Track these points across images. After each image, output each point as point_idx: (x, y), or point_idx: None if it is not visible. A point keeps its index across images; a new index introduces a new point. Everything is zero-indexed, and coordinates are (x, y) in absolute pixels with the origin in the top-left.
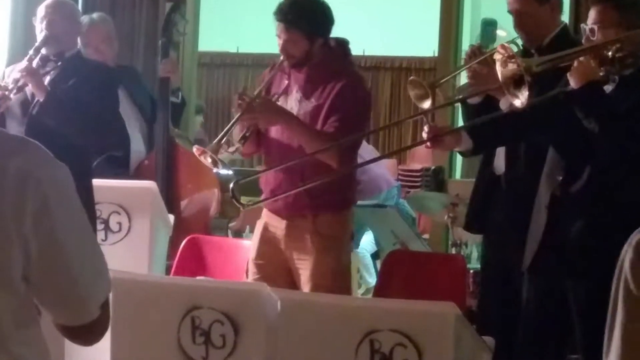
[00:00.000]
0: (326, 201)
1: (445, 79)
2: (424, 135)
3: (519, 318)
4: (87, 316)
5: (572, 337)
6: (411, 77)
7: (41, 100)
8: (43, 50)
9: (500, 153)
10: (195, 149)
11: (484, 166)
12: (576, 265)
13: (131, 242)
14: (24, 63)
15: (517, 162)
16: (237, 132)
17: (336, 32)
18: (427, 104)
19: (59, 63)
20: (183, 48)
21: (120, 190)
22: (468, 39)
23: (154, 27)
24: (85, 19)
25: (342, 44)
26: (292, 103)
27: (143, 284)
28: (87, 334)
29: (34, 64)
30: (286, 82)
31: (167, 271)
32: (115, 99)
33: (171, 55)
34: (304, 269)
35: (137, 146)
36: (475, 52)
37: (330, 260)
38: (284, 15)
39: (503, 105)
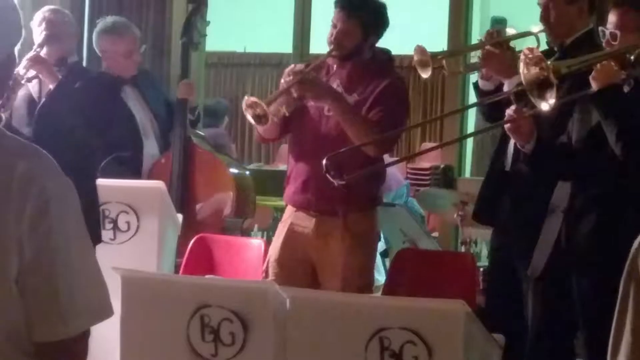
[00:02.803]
0: (358, 199)
1: (448, 53)
2: (508, 113)
3: (527, 317)
4: (60, 331)
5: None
6: (417, 45)
7: (52, 88)
8: (45, 54)
9: (511, 149)
10: (245, 99)
11: (496, 159)
12: (584, 262)
13: (140, 242)
14: (31, 53)
15: (521, 160)
16: (274, 108)
17: None
18: (427, 73)
19: (62, 67)
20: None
21: (129, 190)
22: (477, 37)
23: (162, 27)
24: (106, 27)
25: (387, 51)
26: None
27: (152, 282)
28: (57, 356)
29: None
30: (325, 77)
31: (176, 269)
32: (117, 104)
33: (191, 58)
34: (332, 266)
35: (152, 150)
36: (494, 34)
37: (360, 258)
38: (349, 3)
39: (507, 87)
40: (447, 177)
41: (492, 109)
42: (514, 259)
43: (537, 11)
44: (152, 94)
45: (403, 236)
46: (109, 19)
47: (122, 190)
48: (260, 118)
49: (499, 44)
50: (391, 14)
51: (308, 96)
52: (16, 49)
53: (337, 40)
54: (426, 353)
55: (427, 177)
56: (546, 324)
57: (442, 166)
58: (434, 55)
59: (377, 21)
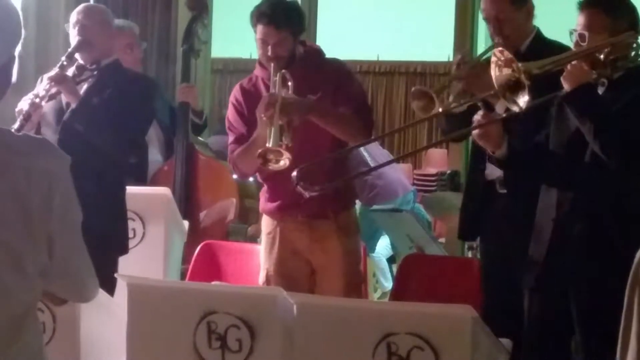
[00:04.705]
0: (344, 198)
1: (447, 85)
2: (476, 119)
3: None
4: (78, 301)
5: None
6: (414, 88)
7: (73, 106)
8: (79, 59)
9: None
10: (258, 153)
11: (476, 171)
12: (577, 270)
13: (146, 249)
14: (54, 70)
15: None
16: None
17: (351, 37)
18: (436, 109)
19: (95, 72)
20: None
21: (135, 197)
22: (483, 43)
23: (167, 32)
24: None
25: (308, 42)
26: None
27: (159, 289)
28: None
29: (70, 72)
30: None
31: (182, 276)
32: (150, 112)
33: (197, 64)
34: (333, 267)
35: (154, 156)
36: (461, 62)
37: (356, 253)
38: (272, 16)
39: (500, 109)
40: (453, 183)
41: (454, 123)
42: (511, 267)
43: (543, 17)
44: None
45: (410, 242)
46: None
47: (127, 197)
48: (278, 161)
49: (476, 68)
50: (397, 20)
51: (295, 119)
52: (16, 50)
53: (275, 54)
54: (433, 358)
55: (434, 183)
56: (541, 334)
57: (448, 172)
58: (437, 92)
59: (300, 20)
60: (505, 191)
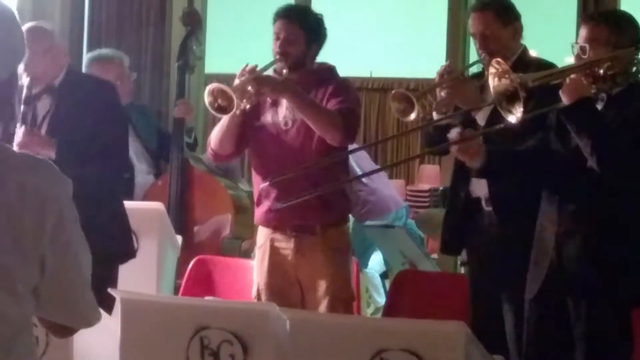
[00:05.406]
0: (332, 215)
1: (429, 91)
2: (452, 136)
3: (519, 340)
4: (80, 324)
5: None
6: (394, 91)
7: (54, 157)
8: (34, 89)
9: None
10: (210, 86)
11: (458, 189)
12: (577, 282)
13: (139, 263)
14: (21, 130)
15: (501, 182)
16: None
17: (344, 54)
18: (412, 117)
19: (52, 95)
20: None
21: (128, 212)
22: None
23: (161, 48)
24: (94, 56)
25: (328, 64)
26: (284, 112)
27: (152, 304)
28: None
29: (29, 115)
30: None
31: (176, 291)
32: (120, 113)
33: (191, 80)
34: (318, 283)
35: (142, 178)
36: (445, 72)
37: (343, 272)
38: (288, 12)
39: (480, 119)
40: (446, 199)
41: (440, 136)
42: (493, 281)
43: (533, 31)
44: (142, 124)
45: (402, 258)
46: (97, 50)
47: None
48: (223, 109)
49: (459, 77)
50: (391, 37)
51: (266, 91)
52: (20, 67)
53: (283, 49)
54: None
55: (426, 199)
56: (542, 346)
57: (441, 188)
58: (418, 97)
59: (319, 29)
60: (491, 209)
